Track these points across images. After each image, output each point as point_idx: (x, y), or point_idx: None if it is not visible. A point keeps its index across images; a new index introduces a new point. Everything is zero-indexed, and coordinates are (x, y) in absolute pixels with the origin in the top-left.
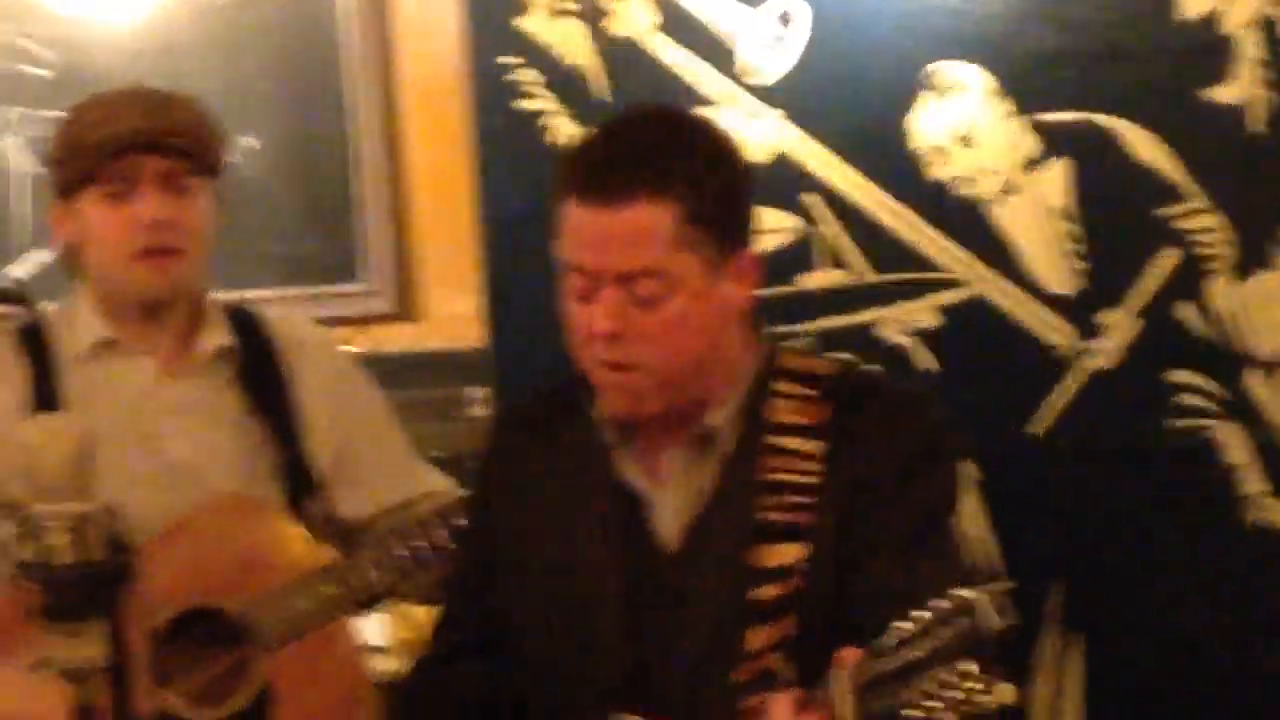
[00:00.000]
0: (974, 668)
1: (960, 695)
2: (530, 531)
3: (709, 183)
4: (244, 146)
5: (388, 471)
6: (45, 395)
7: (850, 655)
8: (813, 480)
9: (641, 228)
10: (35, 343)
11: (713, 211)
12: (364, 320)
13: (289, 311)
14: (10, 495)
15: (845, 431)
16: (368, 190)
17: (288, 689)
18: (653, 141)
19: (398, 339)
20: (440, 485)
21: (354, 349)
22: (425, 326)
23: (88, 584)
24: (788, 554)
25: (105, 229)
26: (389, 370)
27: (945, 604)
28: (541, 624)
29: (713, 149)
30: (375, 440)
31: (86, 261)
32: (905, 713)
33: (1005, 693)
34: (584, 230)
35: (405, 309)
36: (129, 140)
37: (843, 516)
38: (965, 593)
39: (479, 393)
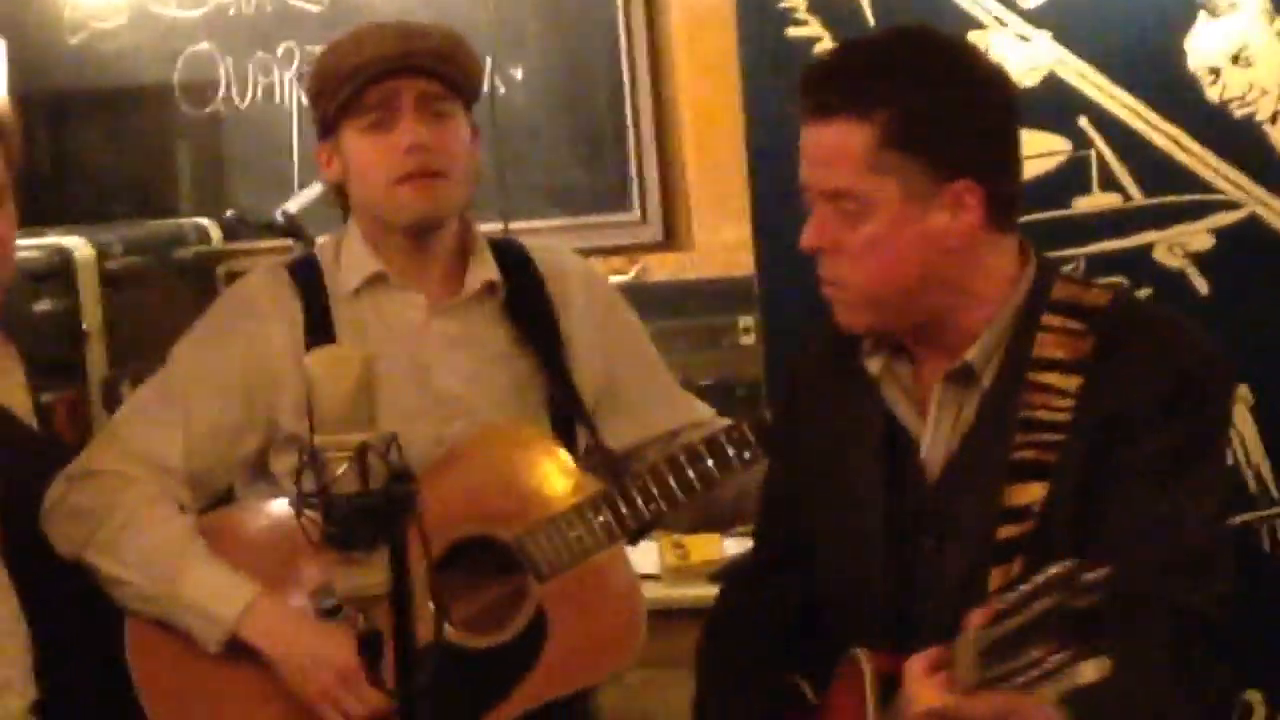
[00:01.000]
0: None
1: (1050, 667)
2: (817, 461)
3: (919, 107)
4: (514, 79)
5: (654, 401)
6: (319, 330)
7: (977, 617)
8: (1063, 418)
9: (838, 147)
10: (309, 278)
11: (921, 137)
12: (633, 249)
13: (553, 243)
14: (291, 428)
15: (1105, 367)
16: (637, 121)
17: (561, 617)
18: (869, 61)
19: (667, 267)
20: (705, 415)
21: (623, 278)
22: (694, 255)
23: (370, 513)
24: (1030, 494)
25: (367, 159)
26: (658, 299)
27: (1056, 570)
28: (822, 552)
29: (939, 73)
30: (641, 370)
31: (353, 196)
32: (1018, 679)
33: (1089, 670)
34: (804, 146)
35: (674, 238)
36: (383, 65)
37: (1092, 454)
38: (1067, 564)
39: (747, 320)
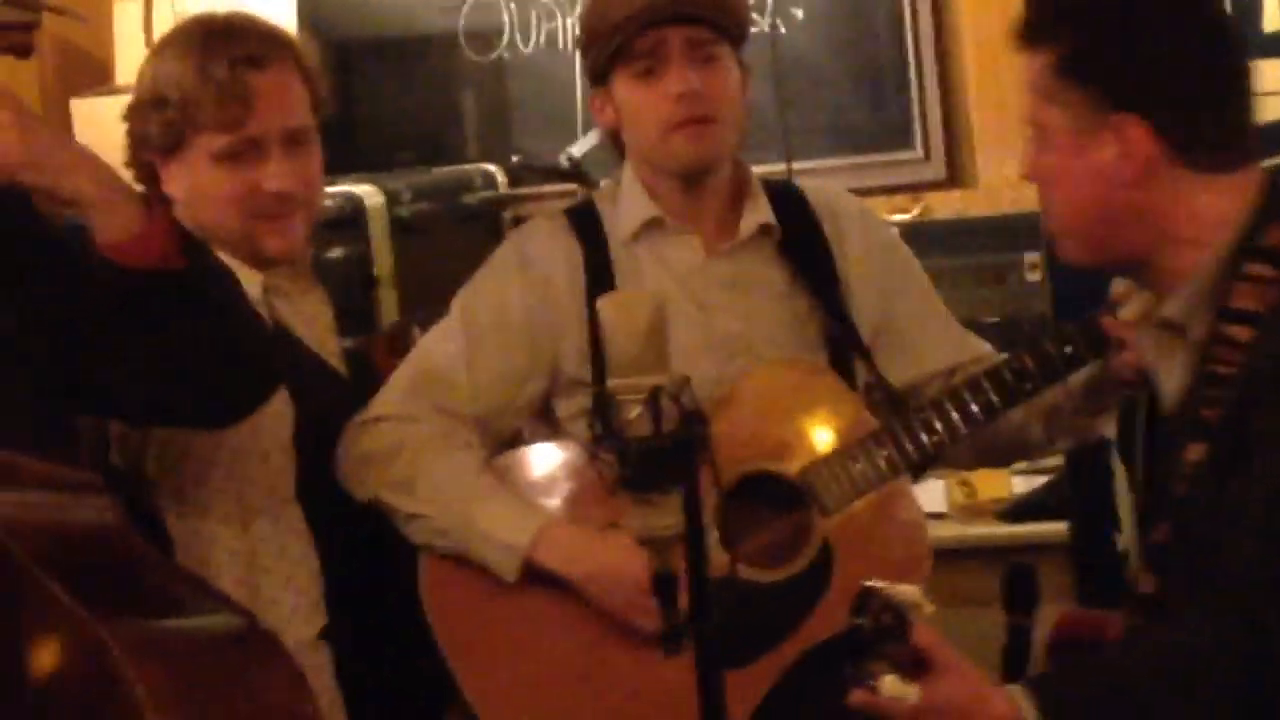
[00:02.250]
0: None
1: None
2: None
3: (1087, 40)
4: (795, 18)
5: (932, 338)
6: (598, 275)
7: None
8: (1233, 372)
9: (1027, 77)
10: (588, 222)
11: (1086, 70)
12: (916, 187)
13: (827, 183)
14: (574, 373)
15: (1276, 319)
16: (919, 58)
17: (847, 551)
18: None
19: (950, 205)
20: (984, 351)
21: (906, 216)
22: (977, 192)
23: (663, 455)
24: (1195, 454)
25: (639, 107)
26: (941, 237)
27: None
28: None
29: (1115, 7)
30: (919, 308)
31: (627, 142)
32: None
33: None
34: None
35: (957, 175)
36: (651, 15)
37: (1242, 415)
38: None
39: (1033, 257)
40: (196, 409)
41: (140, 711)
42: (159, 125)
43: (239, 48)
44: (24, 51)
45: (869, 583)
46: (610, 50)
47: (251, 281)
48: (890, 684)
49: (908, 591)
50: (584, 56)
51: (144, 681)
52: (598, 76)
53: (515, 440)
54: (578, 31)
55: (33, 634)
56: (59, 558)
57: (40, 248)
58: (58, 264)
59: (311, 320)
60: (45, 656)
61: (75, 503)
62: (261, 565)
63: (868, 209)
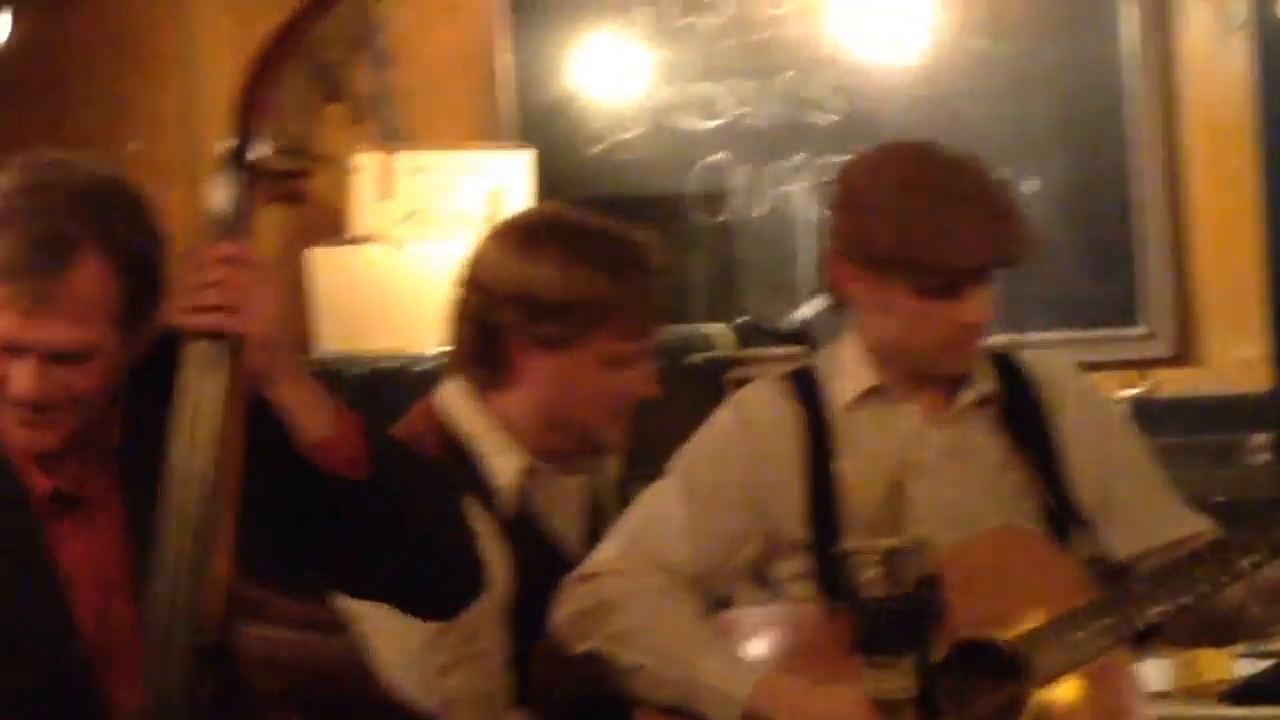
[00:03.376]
0: None
1: None
2: None
3: None
4: (1025, 190)
5: (1154, 512)
6: (819, 438)
7: None
8: None
9: None
10: (808, 387)
11: None
12: (1142, 364)
13: (1046, 354)
14: (793, 535)
15: None
16: (1148, 232)
17: None
18: None
19: (1177, 383)
20: (1205, 526)
21: (1132, 392)
22: (1206, 370)
23: (899, 618)
24: None
25: (919, 321)
26: (1168, 414)
27: None
28: None
29: None
30: (1140, 482)
31: (873, 328)
32: None
33: None
34: None
35: (1185, 353)
36: (978, 269)
37: None
38: None
39: (1260, 438)
40: (400, 603)
41: None
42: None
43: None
44: (297, 199)
45: None
46: (917, 277)
47: (510, 467)
48: None
49: None
50: (861, 244)
51: None
52: (872, 263)
53: (724, 603)
54: (807, 197)
55: None
56: (300, 696)
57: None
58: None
59: (565, 503)
60: None
61: (320, 642)
62: None
63: (1085, 380)
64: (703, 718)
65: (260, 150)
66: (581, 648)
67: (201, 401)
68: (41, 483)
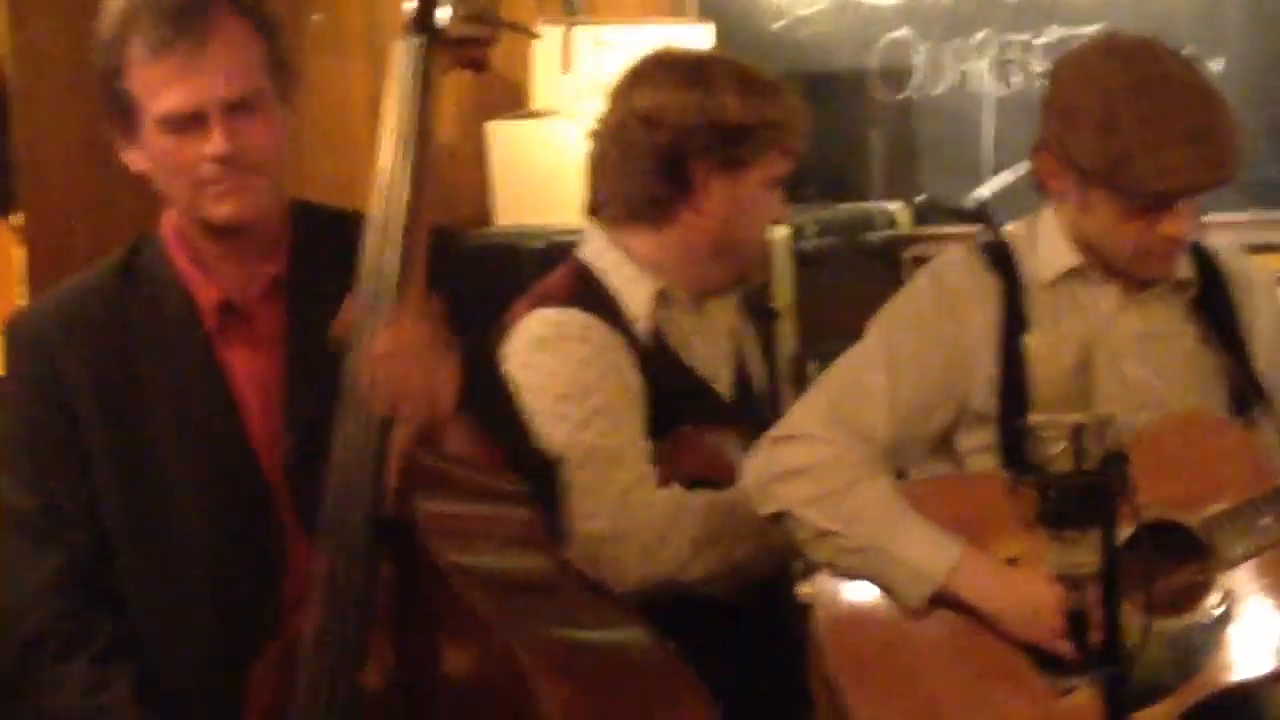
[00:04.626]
0: None
1: None
2: None
3: None
4: (1212, 69)
5: None
6: (1015, 312)
7: None
8: None
9: None
10: (1005, 261)
11: None
12: None
13: (1236, 248)
14: (980, 408)
15: None
16: None
17: (1246, 604)
18: None
19: None
20: None
21: None
22: None
23: (1084, 493)
24: None
25: (1121, 229)
26: None
27: None
28: None
29: None
30: None
31: (1072, 217)
32: None
33: None
34: None
35: None
36: (1183, 195)
37: None
38: None
39: None
40: None
41: None
42: None
43: None
44: (481, 67)
45: None
46: (1121, 191)
47: (644, 293)
48: None
49: None
50: (1068, 146)
51: (553, 698)
52: (1085, 175)
53: (903, 474)
54: (989, 75)
55: (454, 644)
56: (482, 570)
57: None
58: None
59: (708, 336)
60: (464, 667)
61: (501, 514)
62: None
63: (1274, 282)
64: (889, 588)
65: (444, 14)
66: (772, 508)
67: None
68: (210, 293)
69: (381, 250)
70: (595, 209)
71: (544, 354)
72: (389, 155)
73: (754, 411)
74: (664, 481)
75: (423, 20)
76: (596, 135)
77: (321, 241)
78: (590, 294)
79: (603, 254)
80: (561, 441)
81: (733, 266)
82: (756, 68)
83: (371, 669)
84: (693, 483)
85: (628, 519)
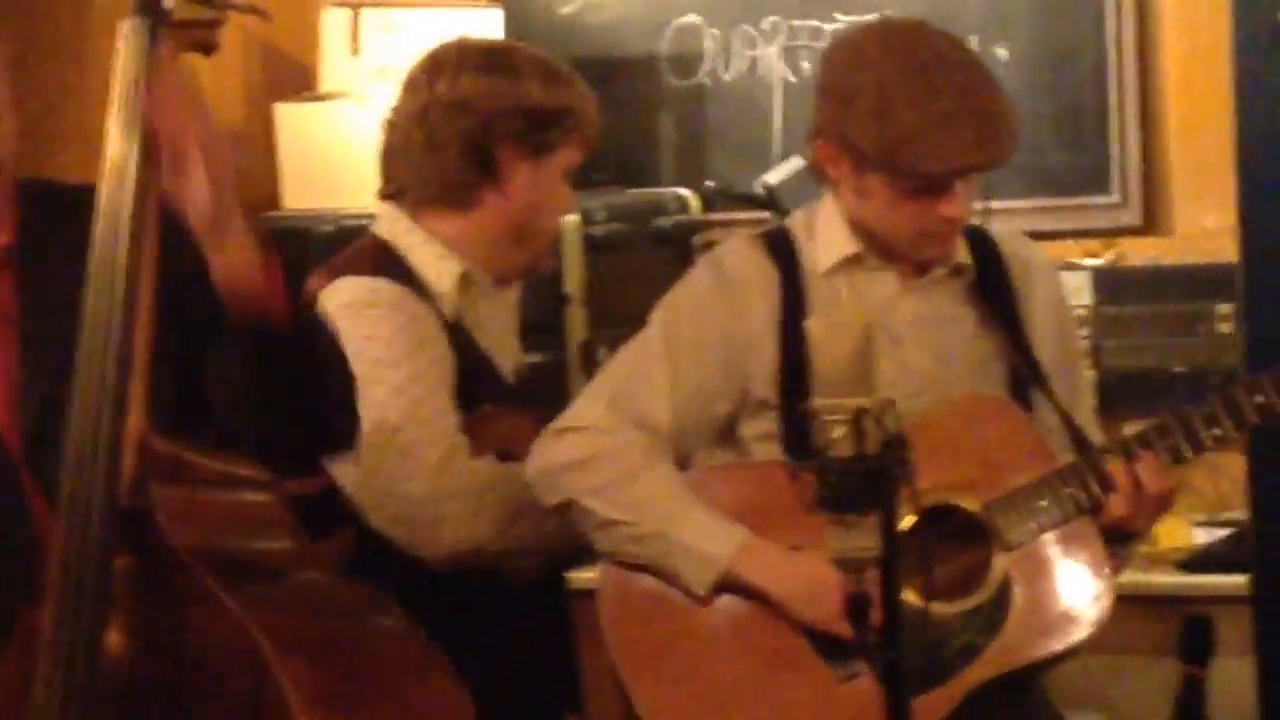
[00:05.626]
0: None
1: None
2: None
3: None
4: (998, 57)
5: (1075, 406)
6: (794, 300)
7: None
8: None
9: None
10: (784, 249)
11: None
12: (1112, 233)
13: (1015, 231)
14: (762, 395)
15: None
16: (1121, 103)
17: (1025, 588)
18: None
19: (1145, 252)
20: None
21: (1098, 261)
22: (1173, 240)
23: (864, 477)
24: None
25: (898, 211)
26: (1135, 283)
27: None
28: None
29: None
30: (1078, 382)
31: (850, 202)
32: None
33: None
34: None
35: (1153, 222)
36: (965, 171)
37: None
38: None
39: (1225, 308)
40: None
41: (288, 708)
42: None
43: None
44: (209, 49)
45: None
46: (895, 173)
47: (449, 272)
48: None
49: None
50: (843, 132)
51: (293, 680)
52: (860, 157)
53: (686, 462)
54: (779, 61)
55: (193, 628)
56: (220, 554)
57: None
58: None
59: (501, 325)
60: (203, 650)
61: (240, 499)
62: None
63: (1052, 263)
64: (674, 576)
65: None
66: (556, 500)
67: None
68: None
69: (113, 234)
70: (392, 195)
71: (358, 319)
72: (116, 140)
73: (533, 398)
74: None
75: (147, 2)
76: (392, 124)
77: (54, 217)
78: (394, 268)
79: (404, 234)
80: (379, 403)
81: (529, 252)
82: (552, 56)
83: (111, 655)
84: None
85: (446, 482)
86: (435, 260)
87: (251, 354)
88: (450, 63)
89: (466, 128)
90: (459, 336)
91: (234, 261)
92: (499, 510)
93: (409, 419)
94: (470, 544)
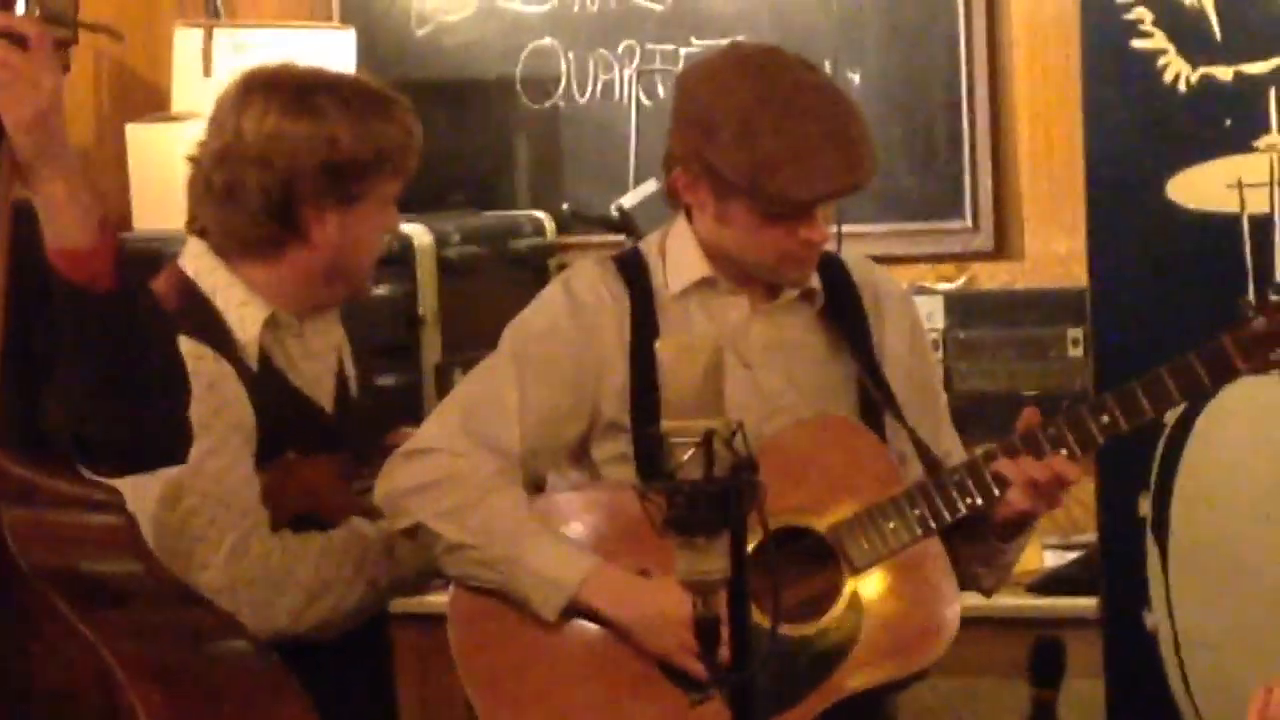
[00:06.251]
0: None
1: None
2: None
3: None
4: (851, 81)
5: (939, 430)
6: (645, 322)
7: None
8: None
9: None
10: (635, 271)
11: None
12: (963, 257)
13: (865, 257)
14: (613, 416)
15: None
16: (973, 128)
17: (873, 609)
18: None
19: (996, 276)
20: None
21: (951, 285)
22: (1024, 265)
23: (713, 500)
24: None
25: (758, 236)
26: (986, 307)
27: None
28: None
29: None
30: (935, 404)
31: (711, 236)
32: None
33: None
34: None
35: (1005, 247)
36: (826, 200)
37: None
38: None
39: (1076, 333)
40: (105, 446)
41: None
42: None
43: None
44: (61, 69)
45: None
46: (763, 200)
47: (253, 319)
48: None
49: None
50: (704, 156)
51: (146, 705)
52: (720, 183)
53: (540, 485)
54: (634, 84)
55: (43, 651)
56: (71, 577)
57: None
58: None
59: (316, 357)
60: (54, 673)
61: (91, 521)
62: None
63: (905, 290)
64: (523, 601)
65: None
66: (404, 523)
67: None
68: None
69: None
70: (198, 233)
71: None
72: None
73: (357, 428)
74: (273, 515)
75: None
76: (197, 161)
77: None
78: (196, 312)
79: (208, 273)
80: (173, 480)
81: (347, 287)
82: (370, 83)
83: None
84: (299, 517)
85: (241, 571)
86: (238, 307)
87: (78, 334)
88: (257, 100)
89: (266, 184)
90: (267, 380)
91: (58, 195)
92: (297, 594)
93: (205, 499)
94: (268, 629)
